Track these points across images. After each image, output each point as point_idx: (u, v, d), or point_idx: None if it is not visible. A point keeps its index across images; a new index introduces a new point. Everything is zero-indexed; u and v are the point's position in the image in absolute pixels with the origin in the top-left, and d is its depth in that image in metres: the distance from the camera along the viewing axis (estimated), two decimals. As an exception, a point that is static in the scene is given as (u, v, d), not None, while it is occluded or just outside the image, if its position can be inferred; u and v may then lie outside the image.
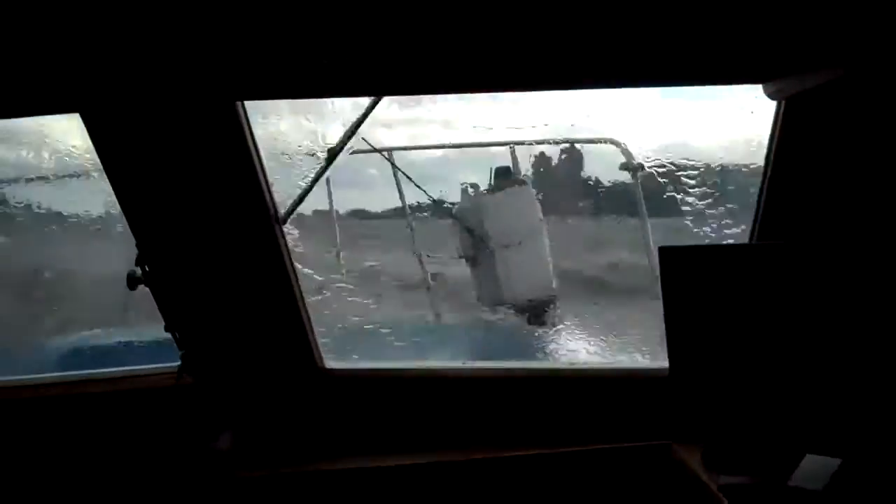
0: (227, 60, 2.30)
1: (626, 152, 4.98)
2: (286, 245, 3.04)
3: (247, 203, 2.87)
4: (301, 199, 3.16)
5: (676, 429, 2.92)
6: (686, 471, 2.80)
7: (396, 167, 5.38)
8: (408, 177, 5.38)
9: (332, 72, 2.38)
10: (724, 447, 2.76)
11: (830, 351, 2.54)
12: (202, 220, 2.87)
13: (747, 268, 2.65)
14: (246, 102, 2.70)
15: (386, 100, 3.13)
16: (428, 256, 5.52)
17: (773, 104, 2.65)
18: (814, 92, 2.38)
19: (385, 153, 5.15)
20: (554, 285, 5.03)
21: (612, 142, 5.15)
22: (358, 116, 3.19)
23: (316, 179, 3.27)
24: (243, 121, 2.69)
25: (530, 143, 5.68)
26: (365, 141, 4.75)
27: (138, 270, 2.99)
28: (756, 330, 2.63)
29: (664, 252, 2.71)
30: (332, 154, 3.30)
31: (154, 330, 3.31)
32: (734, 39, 2.07)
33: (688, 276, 2.69)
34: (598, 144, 5.21)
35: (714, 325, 2.68)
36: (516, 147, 5.39)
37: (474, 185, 5.40)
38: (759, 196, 2.82)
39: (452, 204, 5.35)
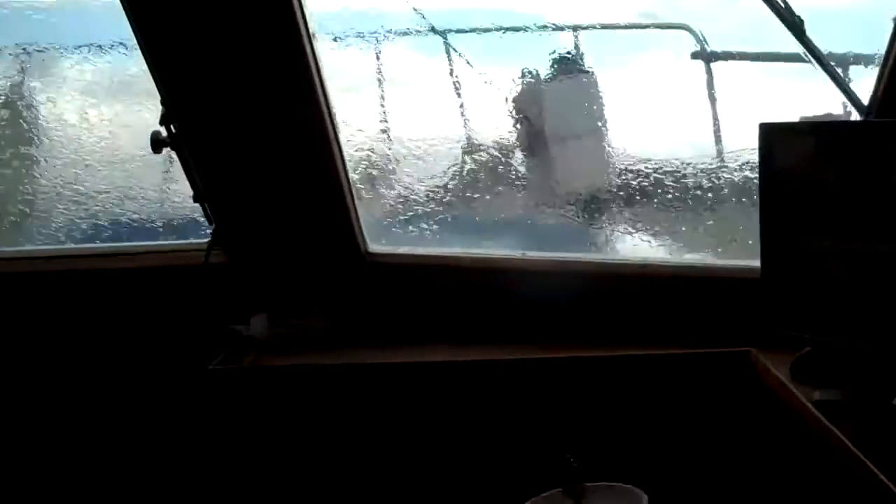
0: None
1: (698, 38, 4.66)
2: (332, 119, 2.79)
3: (286, 51, 2.60)
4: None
5: (760, 334, 2.61)
6: (768, 382, 2.52)
7: (451, 47, 5.10)
8: (466, 60, 5.11)
9: None
10: (820, 357, 2.45)
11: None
12: (237, 70, 2.62)
13: (862, 149, 2.31)
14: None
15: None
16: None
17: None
18: None
19: (440, 32, 4.86)
20: (616, 180, 4.76)
21: (684, 27, 4.84)
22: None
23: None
24: None
25: (597, 27, 5.37)
26: (417, 11, 4.47)
27: (164, 131, 2.75)
28: (866, 224, 2.29)
29: (765, 129, 2.39)
30: None
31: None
32: None
33: (791, 158, 2.39)
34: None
35: (817, 217, 2.37)
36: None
37: (533, 72, 5.10)
38: (883, 64, 2.43)
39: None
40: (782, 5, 2.37)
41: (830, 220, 2.36)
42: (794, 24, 2.38)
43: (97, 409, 3.01)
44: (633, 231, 4.40)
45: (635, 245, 4.36)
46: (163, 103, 2.72)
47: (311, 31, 2.62)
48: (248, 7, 2.50)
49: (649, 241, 4.28)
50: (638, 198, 4.70)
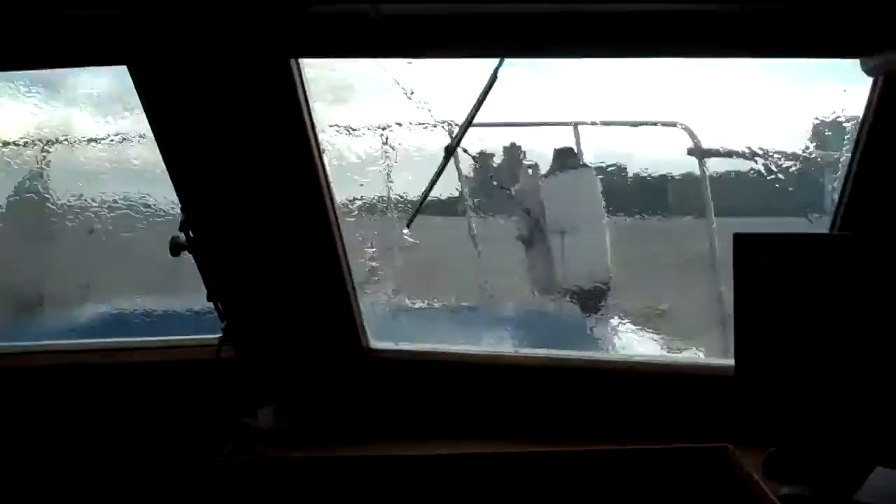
0: (283, 12, 2.23)
1: (694, 137, 4.82)
2: (338, 223, 2.93)
3: (298, 171, 2.75)
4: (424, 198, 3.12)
5: (735, 431, 2.75)
6: (742, 477, 2.63)
7: (463, 148, 5.26)
8: (471, 156, 5.27)
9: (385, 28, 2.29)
10: (789, 454, 2.59)
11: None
12: (250, 186, 2.78)
13: (827, 259, 2.49)
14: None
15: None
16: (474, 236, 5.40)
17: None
18: None
19: (445, 126, 5.03)
20: (611, 274, 4.89)
21: (681, 126, 5.01)
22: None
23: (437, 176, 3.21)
24: (297, 81, 2.57)
25: (595, 124, 5.55)
26: (429, 111, 4.66)
27: (182, 236, 2.90)
28: (832, 328, 2.48)
29: (739, 239, 2.55)
30: (450, 151, 3.32)
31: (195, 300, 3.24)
32: (829, 11, 1.91)
33: (763, 267, 2.53)
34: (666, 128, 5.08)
35: (787, 321, 2.52)
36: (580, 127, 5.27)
37: (534, 166, 5.27)
38: (845, 182, 2.62)
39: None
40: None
41: (800, 325, 2.51)
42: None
43: (109, 499, 3.06)
44: (627, 322, 4.56)
45: (629, 337, 4.52)
46: (182, 212, 2.88)
47: (321, 148, 2.77)
48: (260, 131, 2.66)
49: (640, 334, 4.45)
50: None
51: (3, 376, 3.18)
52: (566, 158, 5.19)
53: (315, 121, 2.72)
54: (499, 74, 3.01)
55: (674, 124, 5.06)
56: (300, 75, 2.58)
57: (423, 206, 3.67)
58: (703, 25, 2.19)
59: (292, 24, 2.35)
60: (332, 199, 2.88)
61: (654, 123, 5.52)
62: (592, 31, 2.32)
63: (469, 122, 3.27)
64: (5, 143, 3.92)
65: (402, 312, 4.20)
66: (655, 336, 4.33)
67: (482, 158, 5.11)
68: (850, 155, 2.61)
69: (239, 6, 2.29)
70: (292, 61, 2.52)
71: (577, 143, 5.35)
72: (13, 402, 3.16)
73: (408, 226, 3.24)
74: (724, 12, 2.19)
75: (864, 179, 2.60)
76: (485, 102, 3.14)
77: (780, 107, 3.93)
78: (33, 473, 3.07)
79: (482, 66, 3.04)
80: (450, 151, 3.38)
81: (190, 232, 2.90)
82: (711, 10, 2.19)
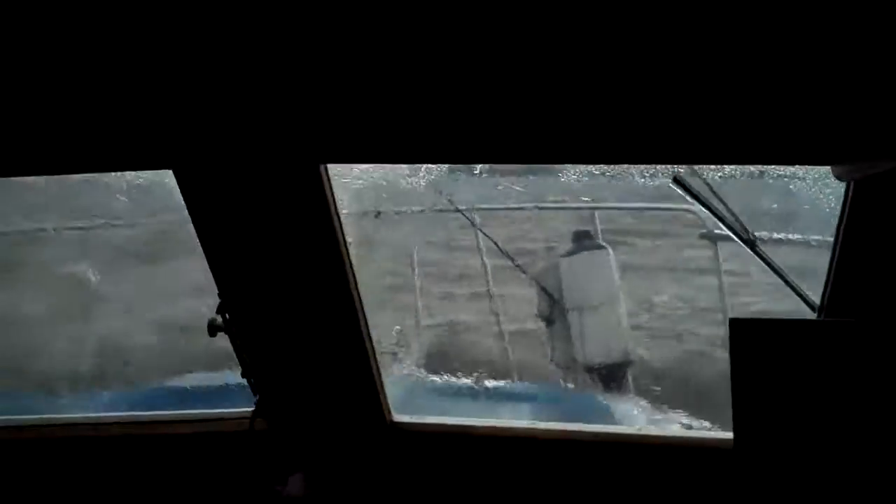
0: (313, 121, 2.36)
1: (704, 222, 4.98)
2: (362, 306, 3.10)
3: (326, 262, 2.94)
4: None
5: None
6: None
7: (479, 229, 5.46)
8: (492, 240, 5.46)
9: (414, 135, 2.42)
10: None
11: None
12: (282, 274, 2.97)
13: (818, 344, 2.61)
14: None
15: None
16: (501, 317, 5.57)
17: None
18: (887, 175, 2.36)
19: (467, 213, 5.24)
20: (629, 351, 5.02)
21: (691, 211, 5.16)
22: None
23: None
24: (326, 185, 2.78)
25: (610, 208, 5.75)
26: (449, 201, 4.87)
27: (219, 318, 3.11)
28: (828, 411, 2.58)
29: (735, 324, 2.68)
30: None
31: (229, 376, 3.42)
32: (801, 120, 2.07)
33: (759, 350, 2.65)
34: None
35: (784, 403, 2.63)
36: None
37: (552, 247, 5.47)
38: (829, 270, 2.79)
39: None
40: (737, 224, 2.73)
41: (797, 405, 2.61)
42: (749, 241, 2.75)
43: None
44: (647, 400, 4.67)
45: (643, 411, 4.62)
46: (219, 296, 3.07)
47: (347, 245, 2.97)
48: (291, 227, 2.84)
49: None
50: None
51: (47, 447, 3.37)
52: (584, 240, 5.39)
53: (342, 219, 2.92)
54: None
55: (687, 210, 5.23)
56: (328, 179, 2.79)
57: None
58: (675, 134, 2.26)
59: (320, 131, 2.48)
60: (356, 286, 3.06)
61: (667, 209, 5.71)
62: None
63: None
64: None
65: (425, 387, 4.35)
66: (679, 413, 4.43)
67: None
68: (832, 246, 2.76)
69: (271, 114, 2.41)
70: (321, 167, 2.73)
71: (594, 224, 5.55)
72: (57, 472, 3.35)
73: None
74: None
75: (845, 268, 2.75)
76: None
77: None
78: None
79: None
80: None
81: (226, 314, 3.10)
82: None
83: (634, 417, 4.63)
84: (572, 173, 3.38)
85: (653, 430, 3.53)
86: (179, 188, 2.79)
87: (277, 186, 2.75)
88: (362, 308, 3.10)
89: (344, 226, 2.92)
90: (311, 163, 2.69)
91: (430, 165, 3.38)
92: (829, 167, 2.52)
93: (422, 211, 4.89)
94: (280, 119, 2.36)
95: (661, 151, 2.38)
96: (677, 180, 2.80)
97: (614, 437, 3.32)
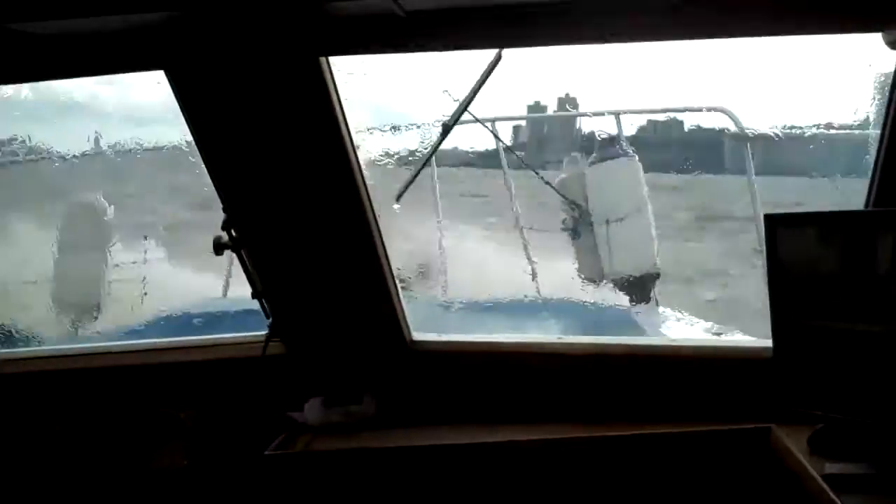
0: (310, 13, 2.25)
1: (736, 121, 4.79)
2: (375, 218, 2.96)
3: (334, 167, 2.79)
4: (414, 177, 3.12)
5: (779, 411, 2.72)
6: (787, 456, 2.62)
7: (500, 139, 5.29)
8: (512, 151, 5.30)
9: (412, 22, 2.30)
10: (835, 431, 2.56)
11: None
12: (289, 183, 2.82)
13: (862, 235, 2.47)
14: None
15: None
16: (530, 229, 5.43)
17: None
18: None
19: (488, 125, 5.05)
20: (657, 262, 4.86)
21: (723, 111, 4.97)
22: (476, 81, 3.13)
23: (430, 154, 3.22)
24: (328, 79, 2.61)
25: (636, 112, 5.53)
26: (469, 113, 4.68)
27: (225, 235, 2.96)
28: (867, 304, 2.43)
29: (770, 220, 2.55)
30: (447, 128, 3.27)
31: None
32: None
33: (795, 246, 2.53)
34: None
35: (823, 299, 2.50)
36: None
37: (576, 156, 5.26)
38: (877, 157, 2.59)
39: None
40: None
41: (835, 301, 2.49)
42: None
43: (161, 492, 3.13)
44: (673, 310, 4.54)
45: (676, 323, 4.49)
46: (224, 211, 2.92)
47: (355, 144, 2.80)
48: (297, 124, 2.70)
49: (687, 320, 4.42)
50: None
51: (64, 377, 3.30)
52: (609, 147, 5.18)
53: (348, 118, 2.75)
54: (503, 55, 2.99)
55: (718, 109, 5.04)
56: (331, 73, 2.62)
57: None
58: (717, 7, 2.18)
59: (319, 24, 2.39)
60: (368, 194, 2.91)
61: (699, 109, 5.51)
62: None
63: (469, 101, 3.28)
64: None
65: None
66: (703, 322, 4.31)
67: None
68: (880, 131, 2.57)
69: (267, 9, 2.33)
70: (322, 60, 2.56)
71: (619, 132, 5.34)
72: (72, 400, 3.27)
73: (397, 199, 3.25)
74: None
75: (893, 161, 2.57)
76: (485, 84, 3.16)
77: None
78: (90, 465, 3.16)
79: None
80: (447, 128, 3.38)
81: (232, 231, 2.95)
82: None
83: (664, 329, 4.51)
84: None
85: (688, 342, 3.37)
86: (174, 94, 2.63)
87: (277, 84, 2.59)
88: (376, 219, 2.95)
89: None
90: (308, 56, 2.52)
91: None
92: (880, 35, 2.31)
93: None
94: (275, 12, 2.25)
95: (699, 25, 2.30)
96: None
97: (648, 350, 3.19)
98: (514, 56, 2.99)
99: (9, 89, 3.50)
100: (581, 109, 6.21)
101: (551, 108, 6.87)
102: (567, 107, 6.43)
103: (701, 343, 3.49)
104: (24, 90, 3.59)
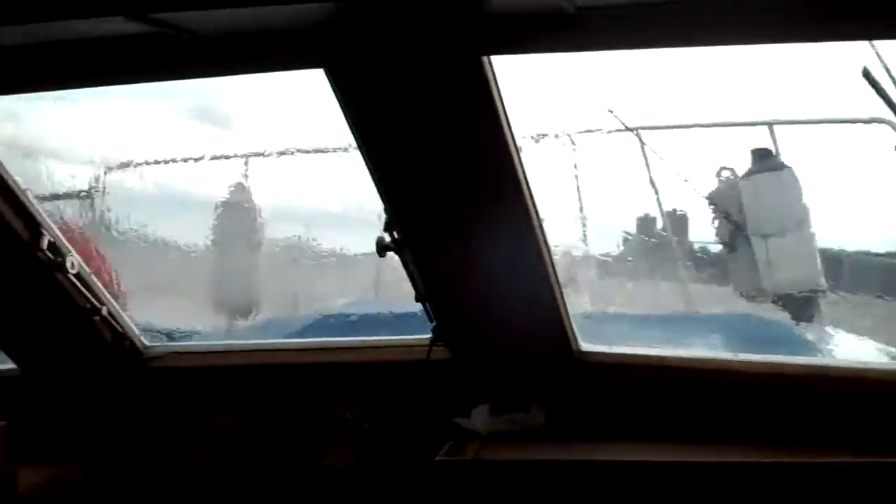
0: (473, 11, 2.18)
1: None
2: (541, 224, 2.84)
3: (498, 168, 2.68)
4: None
5: None
6: None
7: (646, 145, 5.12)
8: (660, 157, 5.12)
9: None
10: None
11: None
12: (452, 184, 2.73)
13: None
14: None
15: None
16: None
17: None
18: None
19: (635, 132, 4.91)
20: (822, 278, 4.61)
21: (883, 121, 4.68)
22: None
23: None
24: (490, 79, 2.50)
25: (791, 123, 5.28)
26: (615, 116, 4.55)
27: (387, 237, 2.89)
28: None
29: None
30: None
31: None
32: None
33: None
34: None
35: None
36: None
37: (730, 168, 5.06)
38: None
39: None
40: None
41: None
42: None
43: (327, 496, 3.15)
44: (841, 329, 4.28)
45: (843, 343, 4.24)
46: (385, 212, 2.85)
47: (518, 146, 2.69)
48: (459, 125, 2.61)
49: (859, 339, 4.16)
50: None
51: (225, 373, 3.34)
52: (764, 159, 4.95)
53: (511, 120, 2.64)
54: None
55: (880, 120, 4.76)
56: (493, 74, 2.52)
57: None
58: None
59: (480, 21, 2.31)
60: (532, 198, 2.79)
61: (855, 121, 5.21)
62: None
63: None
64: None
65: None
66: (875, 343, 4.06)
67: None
68: None
69: (431, 7, 2.28)
70: (484, 59, 2.46)
71: (774, 143, 5.11)
72: (233, 395, 3.31)
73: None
74: None
75: None
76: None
77: None
78: (251, 463, 3.19)
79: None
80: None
81: (395, 232, 2.88)
82: None
83: (837, 350, 4.27)
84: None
85: (873, 365, 3.14)
86: (335, 92, 2.57)
87: (440, 84, 2.50)
88: (540, 223, 2.82)
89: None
90: (472, 55, 2.42)
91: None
92: None
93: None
94: (439, 11, 2.20)
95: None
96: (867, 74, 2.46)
97: (827, 372, 3.00)
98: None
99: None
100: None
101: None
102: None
103: (889, 367, 3.23)
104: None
